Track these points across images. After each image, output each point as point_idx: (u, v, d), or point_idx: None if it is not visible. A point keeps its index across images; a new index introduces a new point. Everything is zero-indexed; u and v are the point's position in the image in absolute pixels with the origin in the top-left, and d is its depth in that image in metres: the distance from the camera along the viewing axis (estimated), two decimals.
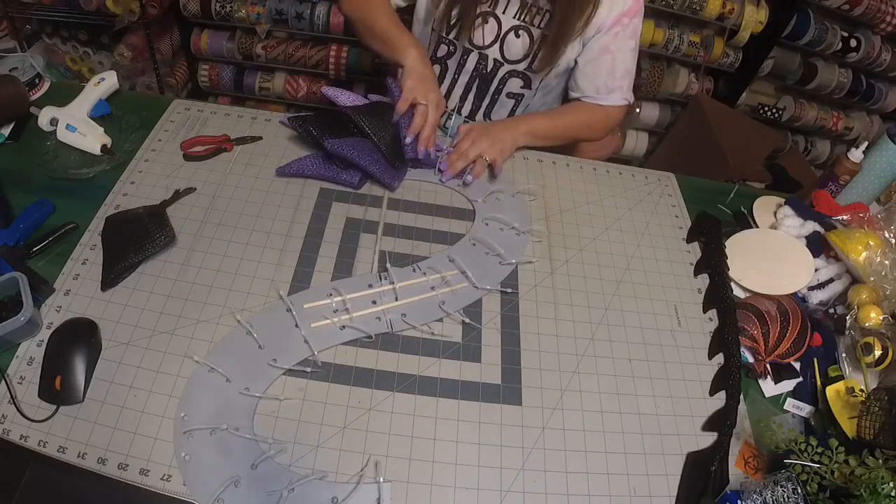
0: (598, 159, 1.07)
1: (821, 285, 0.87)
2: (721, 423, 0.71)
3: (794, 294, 0.86)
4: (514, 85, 1.01)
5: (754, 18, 1.96)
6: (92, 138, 0.88)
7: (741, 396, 0.74)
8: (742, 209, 0.99)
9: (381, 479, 0.61)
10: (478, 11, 0.93)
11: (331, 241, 0.82)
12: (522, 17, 0.93)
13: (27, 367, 0.65)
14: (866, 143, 1.01)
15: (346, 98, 0.91)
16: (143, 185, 0.85)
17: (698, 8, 1.94)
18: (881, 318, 0.79)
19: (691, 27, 2.06)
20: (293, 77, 2.13)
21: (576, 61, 0.98)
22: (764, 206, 1.00)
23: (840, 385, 0.74)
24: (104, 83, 0.95)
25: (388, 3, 0.98)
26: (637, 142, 2.28)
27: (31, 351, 0.66)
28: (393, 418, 0.66)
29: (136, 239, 0.75)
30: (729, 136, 1.94)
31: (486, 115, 1.05)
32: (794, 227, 0.93)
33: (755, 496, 0.62)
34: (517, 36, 0.94)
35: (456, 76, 1.02)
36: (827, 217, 0.95)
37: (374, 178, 0.89)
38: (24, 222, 0.76)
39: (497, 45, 0.96)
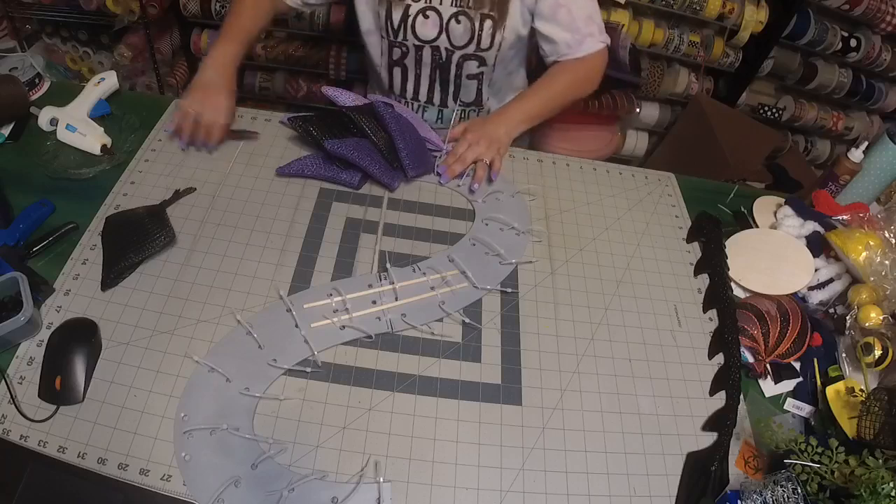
0: (598, 159, 1.07)
1: (821, 285, 0.87)
2: (721, 423, 0.71)
3: (794, 294, 0.86)
4: (471, 67, 1.02)
5: (754, 18, 1.96)
6: (92, 138, 0.88)
7: (741, 396, 0.74)
8: (742, 209, 0.99)
9: (381, 480, 0.61)
10: (416, 9, 0.94)
11: (331, 241, 0.82)
12: (458, 2, 0.94)
13: (27, 367, 0.65)
14: (866, 143, 1.01)
15: (346, 98, 0.91)
16: (143, 185, 0.85)
17: (698, 8, 1.94)
18: (881, 318, 0.79)
19: (691, 27, 2.06)
20: (293, 77, 2.13)
21: (533, 28, 0.98)
22: (764, 206, 1.00)
23: (840, 385, 0.74)
24: (104, 83, 0.95)
25: (251, 7, 0.98)
26: (637, 142, 2.28)
27: (31, 351, 0.66)
28: (393, 418, 0.66)
29: (136, 239, 0.75)
30: (729, 136, 1.94)
31: (455, 99, 1.07)
32: (794, 227, 0.93)
33: (755, 496, 0.62)
34: (458, 22, 0.95)
35: (417, 72, 1.03)
36: (827, 217, 0.95)
37: (373, 178, 0.89)
38: (24, 222, 0.76)
39: (444, 36, 0.97)
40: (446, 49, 0.99)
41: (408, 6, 0.94)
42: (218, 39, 0.96)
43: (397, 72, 1.05)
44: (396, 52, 1.01)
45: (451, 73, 1.03)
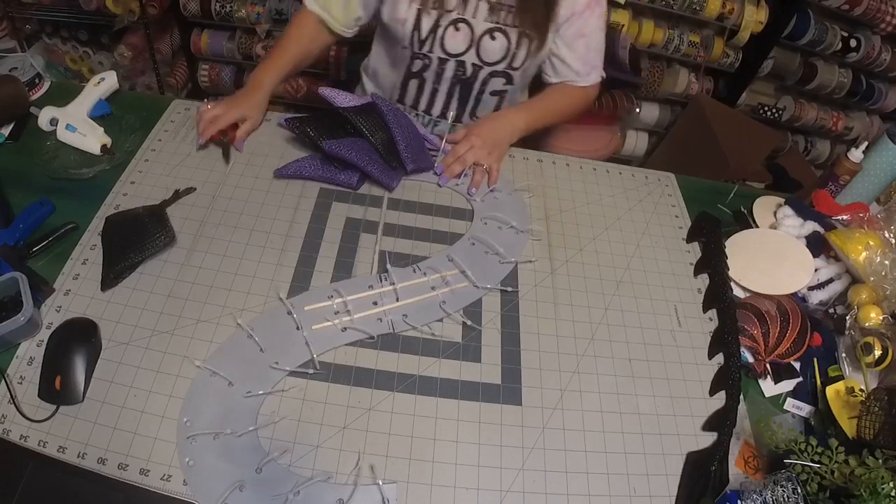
0: (598, 159, 1.07)
1: (821, 285, 0.87)
2: (721, 423, 0.71)
3: (794, 294, 0.86)
4: (497, 84, 1.00)
5: (754, 18, 1.96)
6: (92, 138, 0.88)
7: (741, 396, 0.74)
8: (742, 209, 0.99)
9: (381, 481, 0.61)
10: (448, 20, 0.92)
11: (331, 241, 0.82)
12: (494, 17, 0.93)
13: (27, 367, 0.65)
14: (866, 143, 1.01)
15: (343, 99, 0.91)
16: (143, 185, 0.85)
17: (698, 8, 1.94)
18: (881, 318, 0.79)
19: (691, 27, 2.06)
20: (293, 77, 2.13)
21: (551, 51, 0.99)
22: (764, 206, 1.00)
23: (840, 385, 0.74)
24: (104, 83, 0.95)
25: (296, 43, 0.99)
26: (637, 142, 2.28)
27: (31, 351, 0.66)
28: (393, 418, 0.66)
29: (136, 239, 0.75)
30: (729, 136, 1.95)
31: (472, 115, 1.06)
32: (794, 227, 0.93)
33: (755, 496, 0.62)
34: (493, 38, 0.93)
35: (435, 86, 1.01)
36: (827, 217, 0.95)
37: (371, 177, 0.89)
38: (24, 222, 0.76)
39: (473, 50, 0.95)
40: (473, 64, 0.97)
41: (440, 16, 0.92)
42: (258, 66, 0.99)
43: (413, 84, 1.02)
44: (417, 64, 0.99)
45: (474, 90, 1.01)
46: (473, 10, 0.92)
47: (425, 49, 0.95)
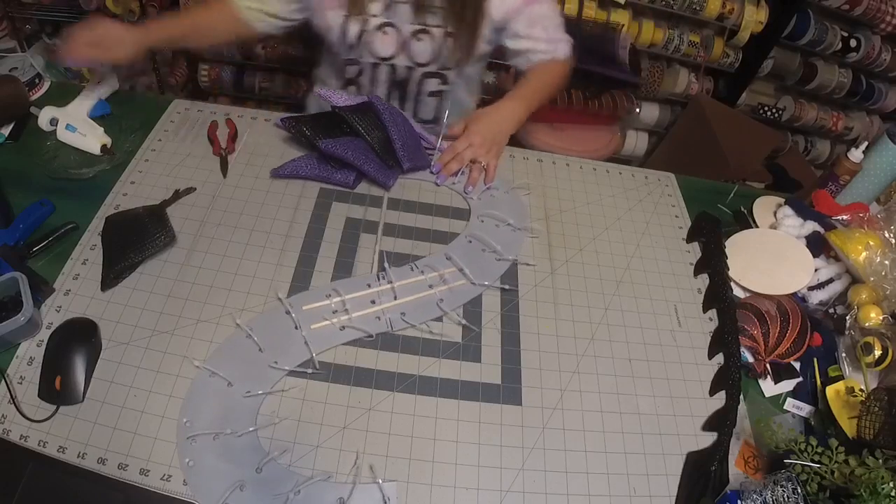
0: (598, 159, 1.07)
1: (821, 285, 0.87)
2: (721, 423, 0.71)
3: (794, 294, 0.86)
4: (432, 84, 1.01)
5: (754, 18, 1.96)
6: (92, 138, 0.88)
7: (741, 396, 0.74)
8: (742, 209, 0.99)
9: (381, 480, 0.61)
10: (374, 25, 0.92)
11: (331, 241, 0.82)
12: (419, 19, 0.92)
13: (27, 367, 0.65)
14: (866, 143, 1.01)
15: (340, 99, 0.91)
16: (143, 185, 0.85)
17: (698, 8, 1.94)
18: (881, 318, 0.79)
19: (691, 27, 2.06)
20: (293, 77, 2.13)
21: (506, 45, 0.99)
22: (764, 206, 1.00)
23: (840, 385, 0.74)
24: (104, 83, 0.96)
25: (205, 17, 0.96)
26: (637, 142, 2.28)
27: (31, 351, 0.66)
28: (393, 418, 0.66)
29: (136, 239, 0.75)
30: (729, 136, 1.95)
31: (415, 117, 1.05)
32: (794, 227, 0.93)
33: (755, 496, 0.62)
34: (420, 40, 0.93)
35: (372, 90, 1.02)
36: (827, 217, 0.95)
37: (368, 176, 0.89)
38: (24, 222, 0.76)
39: (403, 53, 0.95)
40: (406, 67, 0.97)
41: (365, 21, 0.91)
42: (156, 21, 0.94)
43: (352, 91, 1.02)
44: (351, 71, 0.99)
45: (411, 91, 1.01)
46: (398, 13, 0.92)
47: (355, 55, 0.96)
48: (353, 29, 0.92)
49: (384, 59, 0.96)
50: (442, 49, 0.94)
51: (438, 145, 0.96)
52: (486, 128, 0.94)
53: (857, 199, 1.03)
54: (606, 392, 0.73)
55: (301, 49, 2.04)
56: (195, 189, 0.86)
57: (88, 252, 0.76)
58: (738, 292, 0.87)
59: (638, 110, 2.17)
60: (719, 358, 0.79)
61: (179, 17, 0.97)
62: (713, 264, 0.88)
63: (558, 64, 1.03)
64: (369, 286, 0.77)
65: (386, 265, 0.78)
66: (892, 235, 0.86)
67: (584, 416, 0.70)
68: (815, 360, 0.79)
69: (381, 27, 0.92)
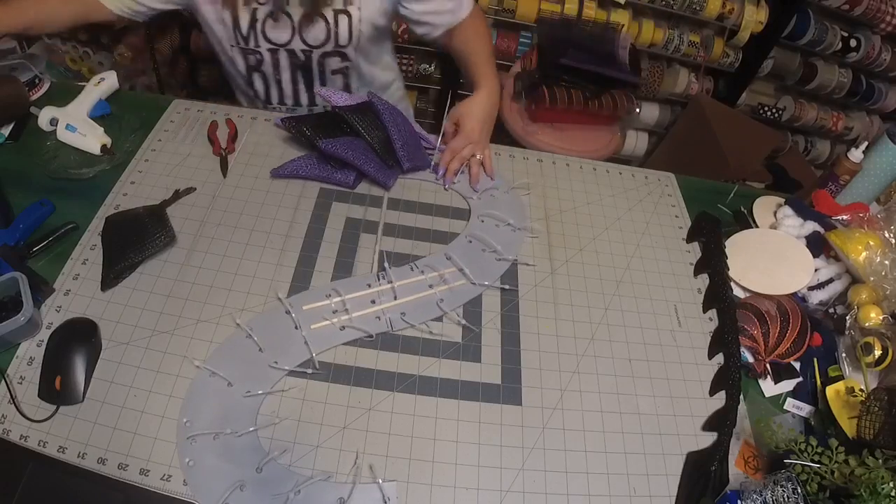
0: (598, 159, 1.07)
1: (821, 285, 0.87)
2: (721, 423, 0.71)
3: (794, 294, 0.86)
4: (334, 63, 1.00)
5: (754, 18, 1.96)
6: (92, 138, 0.88)
7: (741, 396, 0.74)
8: (742, 209, 0.99)
9: (381, 480, 0.61)
10: (264, 13, 0.91)
11: (331, 241, 0.82)
12: (307, 2, 0.91)
13: (27, 367, 0.65)
14: (866, 143, 1.01)
15: (340, 98, 0.91)
16: (143, 185, 0.85)
17: (698, 8, 1.94)
18: (881, 318, 0.79)
19: (691, 27, 2.06)
20: None
21: (405, 14, 0.98)
22: (764, 206, 1.00)
23: (840, 385, 0.74)
24: (104, 83, 0.95)
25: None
26: (637, 142, 2.29)
27: (31, 351, 0.66)
28: (393, 418, 0.66)
29: (136, 239, 0.75)
30: (729, 136, 1.95)
31: None
32: (794, 227, 0.93)
33: (755, 496, 0.62)
34: (312, 21, 0.92)
35: (277, 77, 1.01)
36: (827, 217, 0.95)
37: (368, 176, 0.89)
38: (24, 222, 0.76)
39: (297, 37, 0.94)
40: (302, 50, 0.96)
41: (255, 10, 0.91)
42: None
43: (258, 79, 1.02)
44: (251, 60, 0.98)
45: (314, 72, 1.01)
46: None
47: (251, 45, 0.95)
48: (244, 19, 0.91)
49: (280, 46, 0.95)
50: (334, 28, 0.93)
51: (437, 145, 0.96)
52: (478, 122, 0.94)
53: (857, 199, 1.03)
54: (606, 392, 0.73)
55: None
56: (195, 189, 0.86)
57: (88, 252, 0.76)
58: (738, 292, 0.87)
59: (638, 110, 2.17)
60: (719, 358, 0.79)
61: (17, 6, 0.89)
62: (713, 264, 0.88)
63: (475, 20, 1.00)
64: (369, 286, 0.77)
65: (386, 265, 0.78)
66: (892, 235, 0.86)
67: (584, 416, 0.70)
68: (815, 360, 0.79)
69: (270, 14, 0.92)
